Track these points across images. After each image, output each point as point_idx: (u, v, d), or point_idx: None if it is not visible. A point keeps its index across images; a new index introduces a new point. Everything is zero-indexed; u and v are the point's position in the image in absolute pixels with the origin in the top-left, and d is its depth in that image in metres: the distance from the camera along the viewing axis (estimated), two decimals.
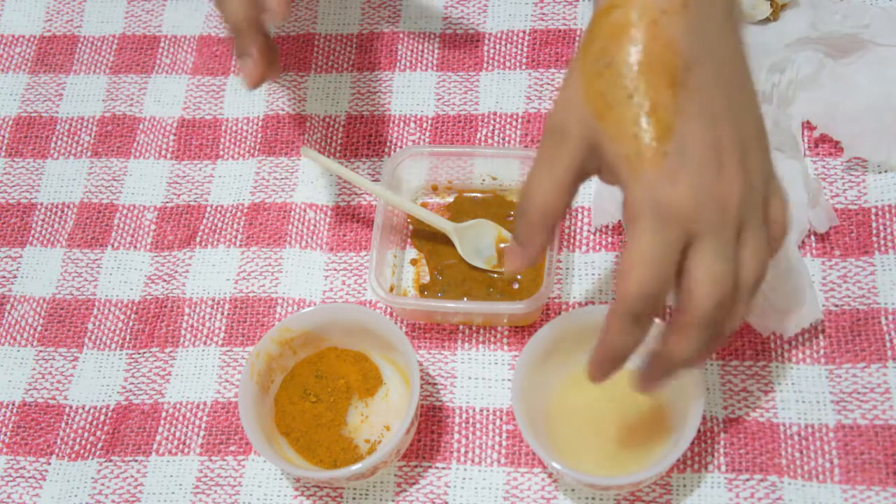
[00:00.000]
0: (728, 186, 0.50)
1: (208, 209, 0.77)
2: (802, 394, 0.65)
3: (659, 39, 0.50)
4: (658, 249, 0.49)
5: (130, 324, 0.73)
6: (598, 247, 0.71)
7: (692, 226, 0.49)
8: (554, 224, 0.54)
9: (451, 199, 0.74)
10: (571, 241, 0.72)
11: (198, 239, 0.76)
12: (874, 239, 0.69)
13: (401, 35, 0.82)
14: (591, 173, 0.53)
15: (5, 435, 0.70)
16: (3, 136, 0.82)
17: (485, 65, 0.80)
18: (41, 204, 0.79)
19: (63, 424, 0.70)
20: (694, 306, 0.50)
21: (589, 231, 0.72)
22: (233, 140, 0.79)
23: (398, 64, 0.81)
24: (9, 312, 0.74)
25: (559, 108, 0.53)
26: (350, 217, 0.75)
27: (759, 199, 0.51)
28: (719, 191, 0.50)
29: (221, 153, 0.79)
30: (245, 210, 0.76)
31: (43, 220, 0.78)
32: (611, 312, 0.51)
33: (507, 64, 0.79)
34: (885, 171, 0.71)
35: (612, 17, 0.51)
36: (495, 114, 0.77)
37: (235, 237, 0.75)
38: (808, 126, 0.73)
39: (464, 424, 0.67)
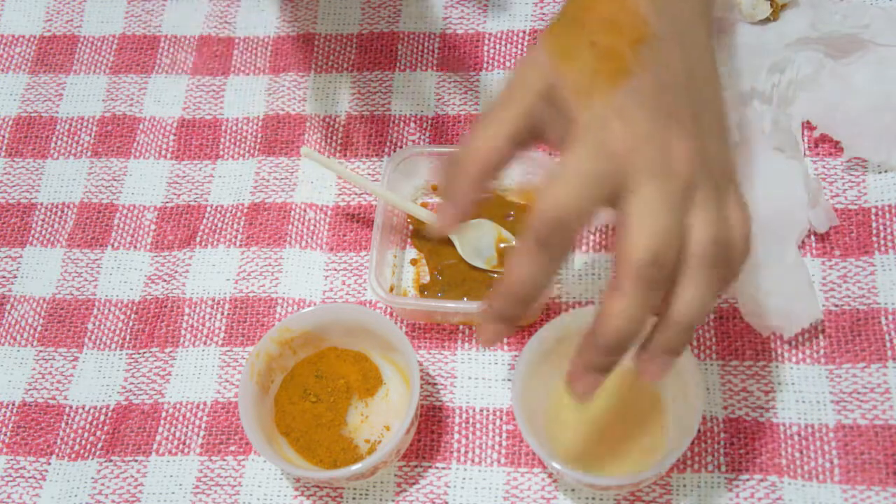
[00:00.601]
0: (678, 142, 0.48)
1: (208, 209, 0.77)
2: (802, 394, 0.65)
3: (627, 9, 0.50)
4: (585, 175, 0.47)
5: (130, 324, 0.73)
6: (597, 247, 0.71)
7: (631, 166, 0.47)
8: (489, 176, 0.52)
9: None
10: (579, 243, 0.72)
11: (198, 239, 0.76)
12: (874, 239, 0.69)
13: (401, 35, 0.82)
14: (539, 129, 0.51)
15: (5, 435, 0.70)
16: (3, 136, 0.82)
17: (485, 65, 0.80)
18: (41, 204, 0.79)
19: (63, 424, 0.70)
20: (627, 254, 0.47)
21: (589, 231, 0.72)
22: (233, 140, 0.79)
23: (398, 64, 0.81)
24: (9, 312, 0.74)
25: (520, 65, 0.52)
26: (350, 217, 0.75)
27: (713, 185, 0.49)
28: (668, 142, 0.48)
29: (221, 153, 0.79)
30: (245, 210, 0.76)
31: (43, 220, 0.78)
32: (518, 238, 0.49)
33: (507, 64, 0.79)
34: (885, 171, 0.71)
35: None
36: None
37: (235, 237, 0.75)
38: (808, 126, 0.73)
39: (464, 424, 0.67)
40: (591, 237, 0.72)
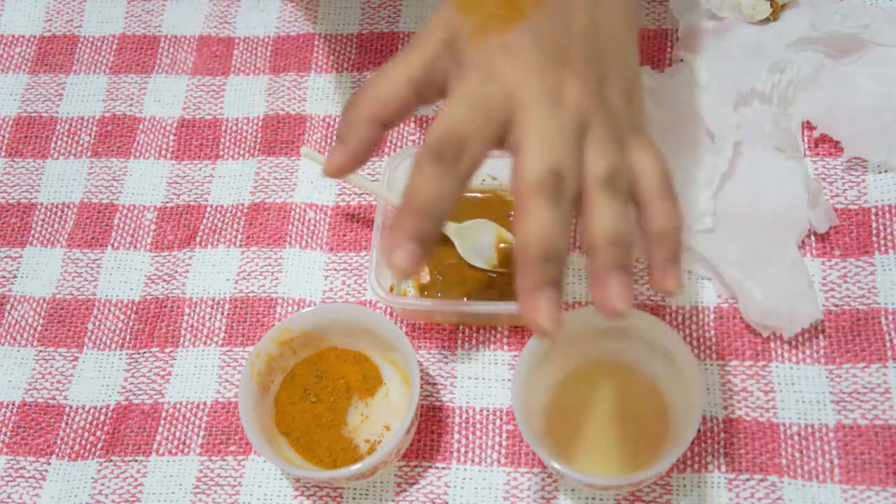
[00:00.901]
0: (572, 82, 0.49)
1: (208, 209, 0.77)
2: (802, 394, 0.65)
3: None
4: (473, 95, 0.49)
5: (130, 324, 0.73)
6: None
7: (521, 93, 0.48)
8: (384, 120, 0.52)
9: None
10: (571, 241, 0.72)
11: (198, 239, 0.76)
12: (874, 239, 0.69)
13: (401, 35, 0.82)
14: (440, 79, 0.52)
15: (5, 435, 0.70)
16: (3, 136, 0.82)
17: None
18: (41, 204, 0.79)
19: (63, 424, 0.70)
20: (522, 174, 0.48)
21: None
22: (233, 140, 0.79)
23: None
24: (9, 312, 0.74)
25: (429, 17, 0.53)
26: (350, 217, 0.75)
27: (612, 127, 0.49)
28: (561, 80, 0.49)
29: (221, 153, 0.79)
30: (245, 210, 0.76)
31: (43, 220, 0.78)
32: (415, 155, 0.50)
33: None
34: (885, 171, 0.71)
35: None
36: None
37: (235, 237, 0.75)
38: (808, 126, 0.73)
39: (464, 424, 0.67)
40: None
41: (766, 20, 0.75)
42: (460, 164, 0.49)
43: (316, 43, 0.83)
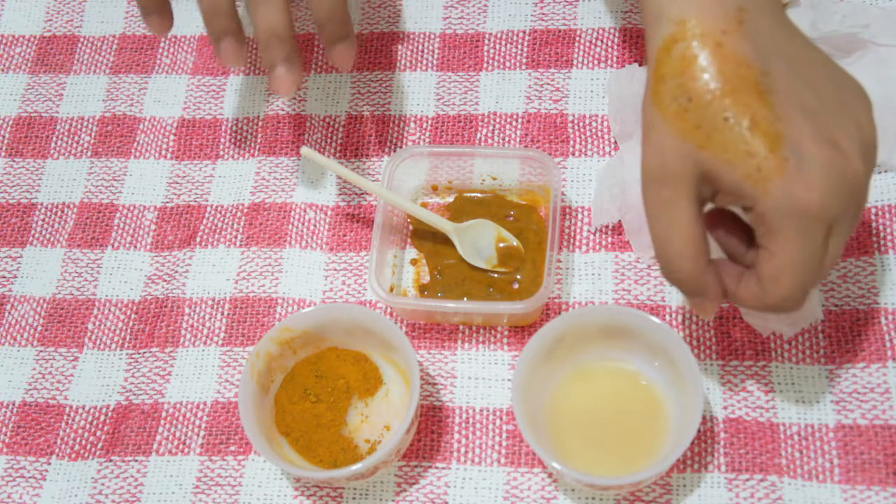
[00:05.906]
0: (855, 166, 0.51)
1: (208, 209, 0.77)
2: (802, 394, 0.65)
3: (729, 60, 0.51)
4: (807, 253, 0.51)
5: (130, 324, 0.73)
6: (598, 247, 0.71)
7: (832, 214, 0.51)
8: (707, 259, 0.54)
9: (451, 199, 0.74)
10: (571, 241, 0.72)
11: (198, 239, 0.76)
12: (874, 239, 0.69)
13: (401, 35, 0.82)
14: (707, 200, 0.54)
15: (5, 435, 0.70)
16: (3, 136, 0.82)
17: (485, 65, 0.80)
18: (41, 204, 0.79)
19: (63, 424, 0.70)
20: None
21: (589, 231, 0.72)
22: (233, 140, 0.79)
23: (398, 64, 0.81)
24: (9, 312, 0.74)
25: (651, 154, 0.53)
26: (350, 217, 0.75)
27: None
28: (850, 173, 0.51)
29: (221, 153, 0.79)
30: (245, 210, 0.76)
31: (43, 220, 0.78)
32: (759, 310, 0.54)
33: (507, 64, 0.79)
34: (885, 171, 0.71)
35: (675, 52, 0.52)
36: (495, 114, 0.77)
37: (235, 237, 0.75)
38: None
39: (464, 424, 0.67)
40: (591, 237, 0.72)
41: None
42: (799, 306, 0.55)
43: (315, 43, 0.83)
